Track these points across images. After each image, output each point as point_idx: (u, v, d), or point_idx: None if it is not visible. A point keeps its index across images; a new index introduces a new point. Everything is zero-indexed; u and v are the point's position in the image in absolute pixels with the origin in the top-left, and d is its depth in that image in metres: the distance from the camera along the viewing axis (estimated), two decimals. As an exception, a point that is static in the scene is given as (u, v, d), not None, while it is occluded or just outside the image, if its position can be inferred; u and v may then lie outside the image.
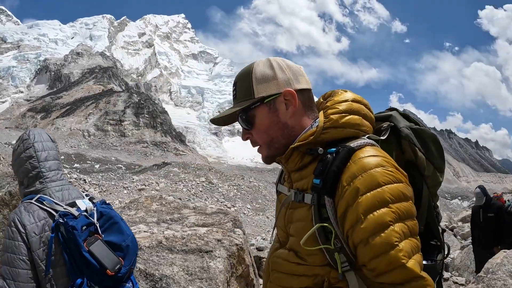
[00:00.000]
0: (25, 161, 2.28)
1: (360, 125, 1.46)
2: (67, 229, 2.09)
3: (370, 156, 1.34)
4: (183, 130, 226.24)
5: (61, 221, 2.11)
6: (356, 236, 1.28)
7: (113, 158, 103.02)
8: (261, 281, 5.66)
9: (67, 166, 67.32)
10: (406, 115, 1.68)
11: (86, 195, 2.44)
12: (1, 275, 2.01)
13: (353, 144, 1.39)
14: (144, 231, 4.25)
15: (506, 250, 4.80)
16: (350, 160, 1.35)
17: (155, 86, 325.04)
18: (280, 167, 1.66)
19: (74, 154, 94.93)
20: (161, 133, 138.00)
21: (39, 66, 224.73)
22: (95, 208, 2.32)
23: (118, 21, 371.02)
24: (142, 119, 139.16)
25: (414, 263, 1.23)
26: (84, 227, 2.16)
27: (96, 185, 45.31)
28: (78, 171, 59.26)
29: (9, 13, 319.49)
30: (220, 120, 1.57)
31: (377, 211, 1.26)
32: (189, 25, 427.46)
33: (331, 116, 1.44)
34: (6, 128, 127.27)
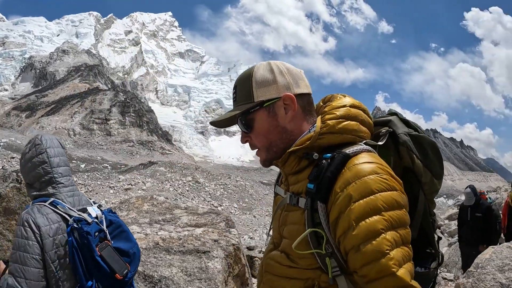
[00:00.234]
0: (37, 165, 2.33)
1: (357, 131, 1.46)
2: (81, 234, 2.19)
3: (365, 162, 1.34)
4: (170, 129, 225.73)
5: (75, 226, 2.21)
6: (348, 242, 1.28)
7: (98, 158, 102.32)
8: (254, 280, 5.70)
9: (52, 165, 66.36)
10: (406, 121, 1.67)
11: (94, 202, 2.53)
12: (11, 273, 2.07)
13: (349, 150, 1.38)
14: (138, 232, 4.26)
15: (494, 246, 4.95)
16: (345, 167, 1.34)
17: (141, 84, 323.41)
18: (278, 169, 1.64)
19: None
20: (147, 132, 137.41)
21: (24, 64, 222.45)
22: (103, 216, 2.44)
23: (105, 18, 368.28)
24: (128, 118, 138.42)
25: (405, 271, 1.22)
26: (96, 233, 2.27)
27: (82, 185, 44.89)
28: (63, 170, 58.39)
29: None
30: (220, 123, 1.58)
31: (369, 218, 1.25)
32: (176, 23, 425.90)
33: (328, 121, 1.44)
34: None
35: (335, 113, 1.46)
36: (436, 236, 1.67)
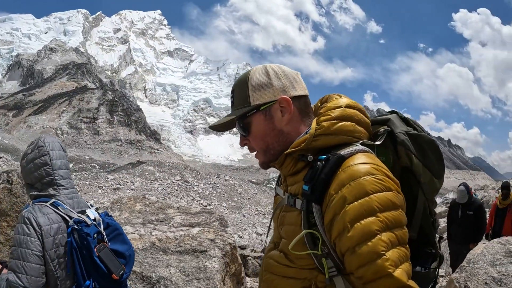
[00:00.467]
0: (39, 167, 2.40)
1: (353, 131, 1.46)
2: (81, 235, 2.29)
3: (360, 163, 1.34)
4: (158, 128, 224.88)
5: (76, 227, 2.30)
6: (343, 244, 1.28)
7: (86, 157, 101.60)
8: (248, 279, 5.71)
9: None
10: (405, 119, 1.66)
11: (91, 205, 2.62)
12: (11, 270, 2.11)
13: (344, 151, 1.38)
14: (131, 233, 4.24)
15: (485, 242, 5.09)
16: (340, 168, 1.34)
17: (130, 83, 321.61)
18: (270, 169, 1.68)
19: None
20: (136, 131, 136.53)
21: (11, 62, 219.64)
22: (101, 219, 2.54)
23: (93, 16, 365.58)
24: (117, 117, 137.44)
25: (401, 272, 1.22)
26: (95, 235, 2.37)
27: (70, 184, 44.51)
28: (51, 169, 57.95)
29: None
30: (218, 127, 1.59)
31: (364, 220, 1.25)
32: (165, 22, 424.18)
33: (323, 123, 1.44)
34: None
35: (330, 114, 1.46)
36: (437, 236, 1.66)
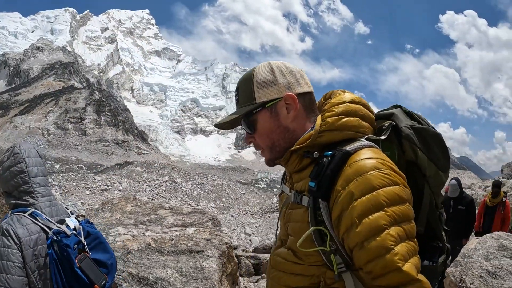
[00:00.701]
0: (15, 175, 2.35)
1: (357, 126, 1.46)
2: (61, 247, 2.25)
3: (366, 158, 1.34)
4: (145, 129, 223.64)
5: (55, 239, 2.26)
6: (352, 240, 1.28)
7: (73, 158, 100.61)
8: (241, 278, 5.70)
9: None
10: (410, 113, 1.65)
11: (71, 213, 2.59)
12: None
13: (349, 147, 1.38)
14: (124, 234, 4.21)
15: (478, 237, 5.26)
16: (346, 164, 1.34)
17: (117, 83, 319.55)
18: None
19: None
20: (123, 132, 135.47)
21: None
22: (81, 227, 2.50)
23: (81, 15, 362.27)
24: (104, 117, 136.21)
25: (410, 266, 1.22)
26: (75, 246, 2.33)
27: (57, 186, 44.17)
28: (37, 170, 57.40)
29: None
30: (224, 125, 1.59)
31: (372, 215, 1.25)
32: (153, 21, 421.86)
33: (327, 119, 1.44)
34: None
35: (335, 110, 1.46)
36: (443, 230, 1.65)
